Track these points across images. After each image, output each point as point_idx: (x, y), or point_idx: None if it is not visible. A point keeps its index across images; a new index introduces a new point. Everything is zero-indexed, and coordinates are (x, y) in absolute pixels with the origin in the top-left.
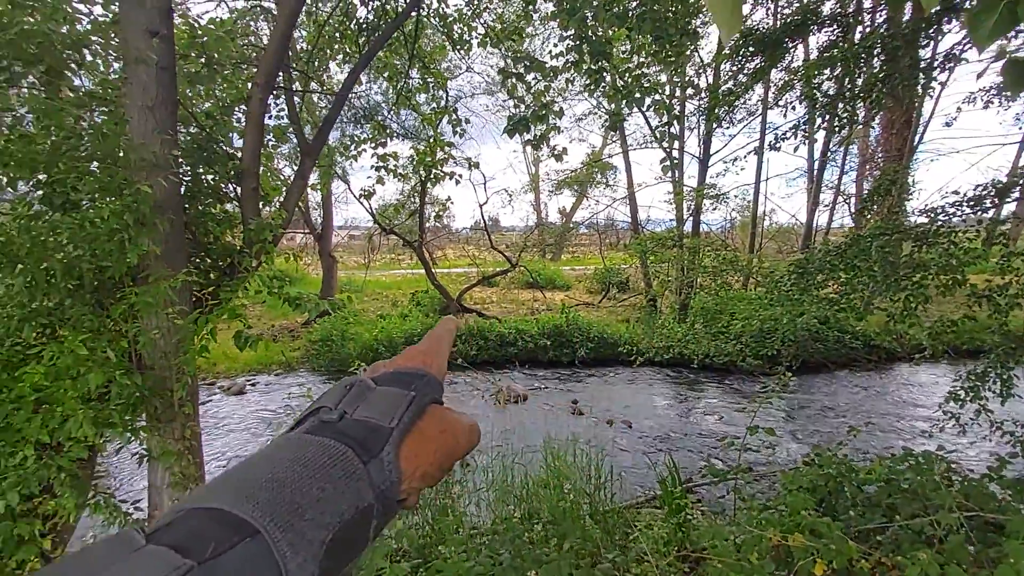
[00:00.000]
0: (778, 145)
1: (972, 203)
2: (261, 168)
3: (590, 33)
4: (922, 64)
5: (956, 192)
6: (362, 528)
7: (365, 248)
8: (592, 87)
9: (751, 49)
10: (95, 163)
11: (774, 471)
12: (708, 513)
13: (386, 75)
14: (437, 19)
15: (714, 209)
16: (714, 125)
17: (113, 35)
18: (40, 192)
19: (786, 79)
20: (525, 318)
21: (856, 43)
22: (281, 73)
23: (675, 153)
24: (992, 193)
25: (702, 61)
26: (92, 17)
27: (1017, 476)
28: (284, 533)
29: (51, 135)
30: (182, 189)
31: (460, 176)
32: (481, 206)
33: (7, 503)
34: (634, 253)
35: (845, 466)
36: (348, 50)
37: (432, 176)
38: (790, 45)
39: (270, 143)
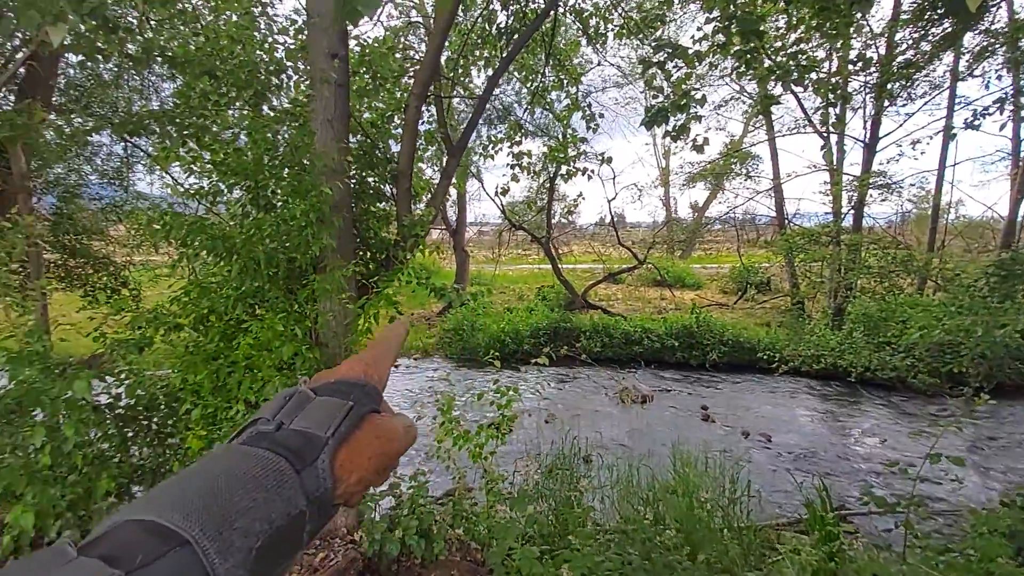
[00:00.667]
0: (977, 123)
1: None
2: (413, 169)
3: (739, 11)
4: None
5: None
6: (294, 532)
7: (494, 243)
8: (742, 70)
9: (939, 11)
10: (286, 170)
11: (957, 509)
12: (870, 547)
13: (522, 75)
14: (573, 15)
15: (882, 200)
16: (885, 103)
17: (302, 60)
18: (248, 196)
19: (985, 43)
20: (652, 317)
21: None
22: (433, 83)
23: (834, 138)
24: None
25: (872, 31)
26: (286, 46)
27: None
28: (213, 542)
29: (257, 148)
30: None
31: (591, 172)
32: (609, 201)
33: None
34: (779, 250)
35: None
36: (488, 55)
37: (564, 172)
38: (991, 3)
39: (420, 146)
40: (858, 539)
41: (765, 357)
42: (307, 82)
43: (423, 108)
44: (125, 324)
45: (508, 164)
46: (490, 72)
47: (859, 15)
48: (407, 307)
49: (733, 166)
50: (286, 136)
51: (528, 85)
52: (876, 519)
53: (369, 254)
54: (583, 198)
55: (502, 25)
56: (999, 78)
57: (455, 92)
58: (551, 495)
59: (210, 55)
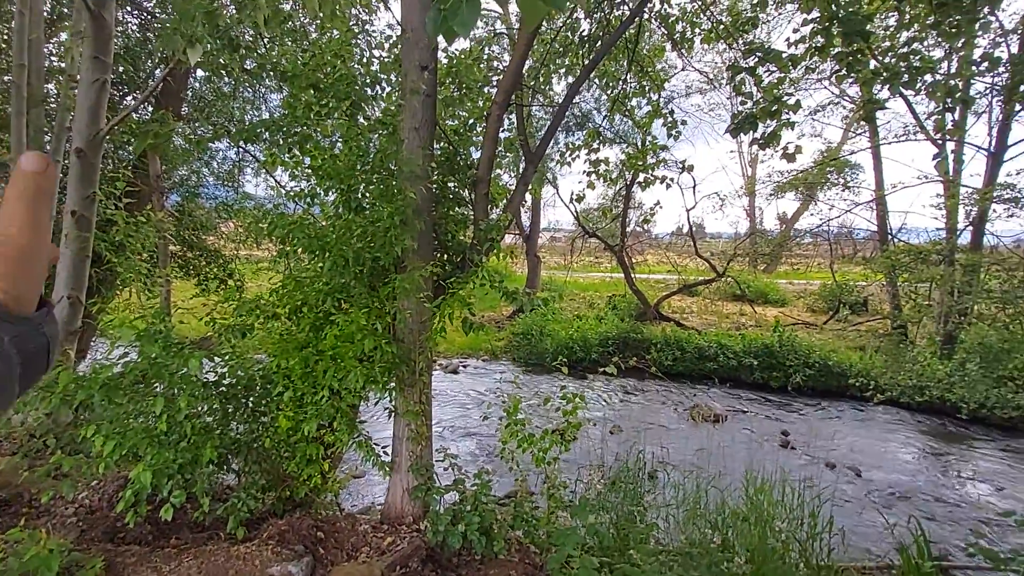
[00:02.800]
0: None
1: None
2: (492, 176)
3: (842, 12)
4: None
5: None
6: None
7: (566, 249)
8: (843, 73)
9: None
10: (376, 175)
11: None
12: None
13: (603, 82)
14: (658, 21)
15: (1009, 216)
16: (1016, 107)
17: (394, 72)
18: (341, 198)
19: None
20: (729, 332)
21: None
22: (515, 92)
23: (951, 146)
24: None
25: (1002, 27)
26: (381, 59)
27: None
28: None
29: (351, 154)
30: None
31: (671, 180)
32: (688, 211)
33: (308, 429)
34: (879, 268)
35: None
36: (569, 63)
37: (642, 180)
38: None
39: (500, 154)
40: None
41: (857, 384)
42: (398, 93)
43: (504, 116)
44: (231, 311)
45: (584, 171)
46: (571, 80)
47: (985, 9)
48: (478, 308)
49: (829, 175)
50: (376, 144)
51: (608, 92)
52: (984, 574)
53: (446, 256)
54: (660, 207)
55: (585, 33)
56: None
57: (535, 100)
58: (613, 508)
59: (315, 69)
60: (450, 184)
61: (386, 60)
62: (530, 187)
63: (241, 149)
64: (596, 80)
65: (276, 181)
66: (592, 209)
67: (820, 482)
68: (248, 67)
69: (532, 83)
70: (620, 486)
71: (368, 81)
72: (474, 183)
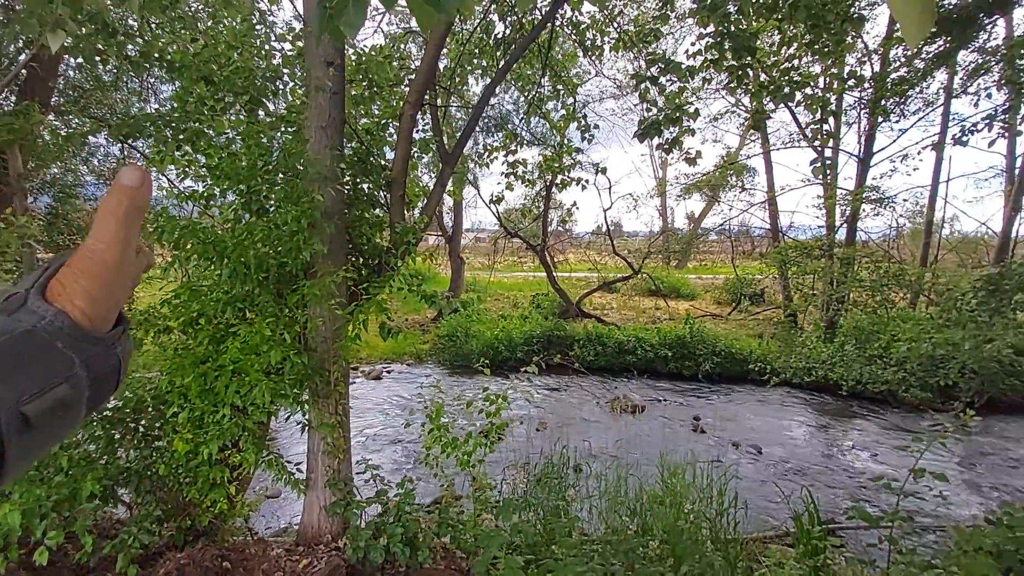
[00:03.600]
0: (965, 139)
1: None
2: (407, 177)
3: (732, 28)
4: None
5: None
6: (39, 354)
7: (490, 250)
8: (734, 85)
9: (934, 29)
10: (280, 175)
11: (943, 525)
12: (854, 561)
13: (518, 85)
14: (571, 27)
15: (876, 215)
16: (879, 119)
17: (298, 66)
18: (241, 200)
19: (979, 61)
20: (645, 326)
21: None
22: (428, 91)
23: (828, 152)
24: None
25: (866, 47)
26: (284, 52)
27: None
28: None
29: (251, 153)
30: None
31: (586, 182)
32: (605, 211)
33: (209, 451)
34: (772, 263)
35: None
36: (485, 64)
37: (560, 182)
38: (987, 21)
39: (415, 154)
40: (844, 553)
41: (757, 369)
42: (304, 89)
43: (418, 116)
44: None
45: (503, 172)
46: (487, 81)
47: (851, 33)
48: (401, 313)
49: (729, 178)
50: (281, 142)
51: (526, 95)
52: (863, 534)
53: (361, 260)
54: (577, 207)
55: (499, 36)
56: (989, 96)
57: (451, 101)
58: (539, 504)
59: (207, 61)
60: (364, 186)
61: (290, 54)
62: (451, 188)
63: (125, 145)
64: (513, 82)
65: (168, 180)
66: (514, 210)
67: (727, 461)
68: (130, 55)
69: (448, 83)
70: (546, 482)
71: (269, 75)
72: (389, 184)
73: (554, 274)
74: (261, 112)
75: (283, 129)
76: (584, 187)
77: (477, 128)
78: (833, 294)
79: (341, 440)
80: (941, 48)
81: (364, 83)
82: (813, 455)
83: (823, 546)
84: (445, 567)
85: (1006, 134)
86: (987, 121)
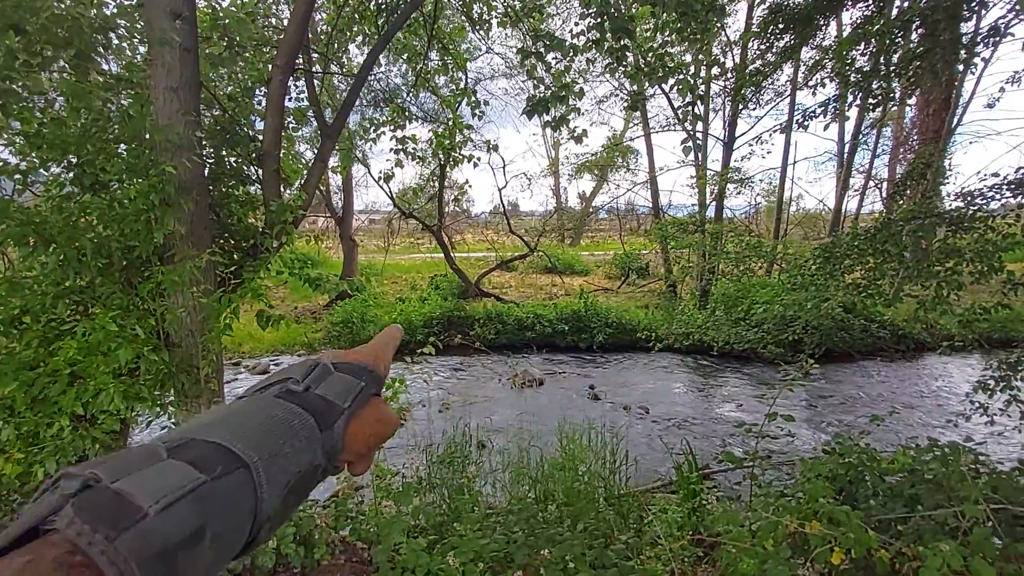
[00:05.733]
0: (806, 123)
1: (1013, 186)
2: (282, 151)
3: (612, 10)
4: (964, 39)
5: (996, 175)
6: (311, 480)
7: (385, 232)
8: (614, 66)
9: (780, 26)
10: (122, 145)
11: (793, 459)
12: (724, 499)
13: (405, 57)
14: None
15: (738, 194)
16: (740, 106)
17: (138, 18)
18: (71, 174)
19: (817, 58)
20: (543, 303)
21: (893, 17)
22: (301, 55)
23: (699, 135)
24: None
25: (729, 39)
26: (118, 1)
27: None
28: (264, 471)
29: (81, 118)
30: (206, 171)
31: (479, 159)
32: (500, 190)
33: (45, 471)
34: (654, 238)
35: (867, 455)
36: (367, 31)
37: (451, 159)
38: (822, 21)
39: (290, 125)
40: (716, 493)
41: (644, 337)
42: (147, 45)
43: (291, 83)
44: None
45: (392, 149)
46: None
47: (716, 22)
48: (290, 300)
49: (615, 159)
50: (122, 106)
51: (413, 67)
52: (731, 474)
53: (232, 242)
54: (470, 186)
55: (381, 1)
56: (823, 86)
57: (331, 70)
58: (443, 484)
59: (17, 6)
60: (230, 159)
61: (127, 3)
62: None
63: None
64: (400, 54)
65: None
66: (409, 189)
67: (619, 424)
68: None
69: (325, 49)
70: (449, 461)
71: (99, 26)
72: (260, 158)
73: (452, 254)
74: (94, 71)
75: (122, 92)
76: (476, 164)
77: (364, 101)
78: (705, 265)
79: None
80: (787, 43)
81: (224, 42)
82: (692, 410)
83: (699, 489)
84: (345, 561)
85: (836, 119)
86: (822, 107)
